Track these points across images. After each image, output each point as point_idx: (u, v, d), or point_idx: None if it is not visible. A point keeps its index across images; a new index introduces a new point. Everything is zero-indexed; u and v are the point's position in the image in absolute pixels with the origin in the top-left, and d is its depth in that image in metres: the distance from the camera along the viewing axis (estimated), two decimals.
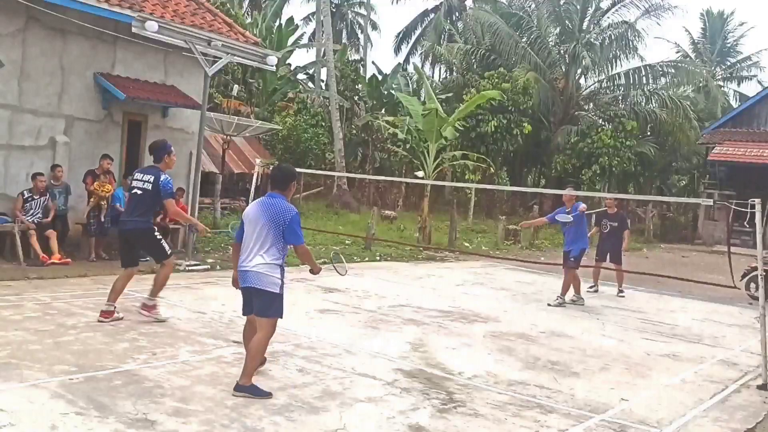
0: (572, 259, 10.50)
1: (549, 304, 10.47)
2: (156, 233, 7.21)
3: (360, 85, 33.53)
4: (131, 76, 11.85)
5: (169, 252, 7.26)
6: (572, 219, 10.40)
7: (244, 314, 5.44)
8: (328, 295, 9.64)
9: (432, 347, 7.16)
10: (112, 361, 5.62)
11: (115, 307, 7.01)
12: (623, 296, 11.92)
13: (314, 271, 5.57)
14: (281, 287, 5.18)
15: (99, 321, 6.82)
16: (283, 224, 5.12)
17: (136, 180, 7.08)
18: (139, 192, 6.97)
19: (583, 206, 10.68)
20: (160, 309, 7.27)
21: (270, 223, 5.12)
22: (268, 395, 5.04)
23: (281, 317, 5.25)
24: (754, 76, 44.93)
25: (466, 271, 13.99)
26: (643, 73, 33.56)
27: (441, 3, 44.85)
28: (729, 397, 6.26)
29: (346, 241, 16.35)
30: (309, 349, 6.63)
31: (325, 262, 5.55)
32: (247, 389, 5.01)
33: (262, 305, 5.15)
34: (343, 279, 11.53)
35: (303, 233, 5.31)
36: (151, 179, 6.93)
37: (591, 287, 12.08)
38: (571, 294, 10.76)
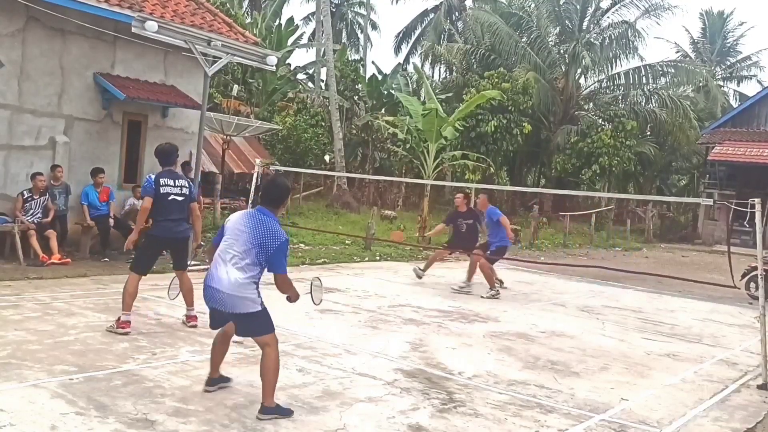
0: (493, 248, 11.02)
1: (482, 296, 10.68)
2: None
3: (360, 85, 33.54)
4: (131, 76, 11.85)
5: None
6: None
7: (212, 328, 5.05)
8: (328, 295, 9.63)
9: (432, 347, 7.15)
10: (112, 361, 5.62)
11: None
12: (497, 294, 10.95)
13: (292, 299, 4.93)
14: (261, 302, 4.76)
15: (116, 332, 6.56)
16: (270, 250, 4.66)
17: (170, 186, 6.79)
18: (179, 198, 6.82)
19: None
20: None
21: (255, 246, 4.65)
22: (290, 413, 4.77)
23: (274, 329, 4.86)
24: (754, 75, 45.04)
25: (466, 270, 13.97)
26: (643, 72, 33.60)
27: (441, 3, 44.85)
28: (729, 397, 6.27)
29: (346, 241, 16.36)
30: (309, 349, 6.63)
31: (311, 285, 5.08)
32: (273, 410, 4.69)
33: (252, 328, 4.79)
34: (343, 279, 11.62)
35: (288, 260, 4.89)
36: (186, 184, 6.94)
37: (421, 269, 11.91)
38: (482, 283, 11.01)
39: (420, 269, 11.94)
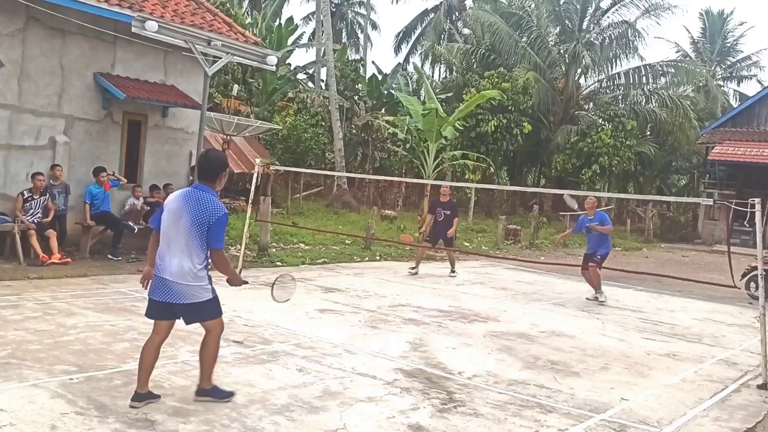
0: (599, 257, 10.92)
1: (587, 298, 11.10)
2: None
3: (360, 85, 33.55)
4: (131, 76, 11.86)
5: None
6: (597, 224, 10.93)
7: (151, 318, 4.73)
8: (328, 294, 9.64)
9: (432, 347, 7.15)
10: (112, 361, 5.63)
11: None
12: (455, 275, 12.81)
13: (233, 283, 4.76)
14: (212, 290, 4.66)
15: None
16: (208, 224, 4.47)
17: None
18: None
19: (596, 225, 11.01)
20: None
21: (194, 221, 4.46)
22: (230, 395, 4.82)
23: (222, 314, 4.80)
24: (754, 75, 45.05)
25: (466, 270, 13.99)
26: (643, 72, 33.61)
27: (441, 3, 44.89)
28: (729, 397, 6.26)
29: (346, 241, 16.36)
30: (309, 348, 6.62)
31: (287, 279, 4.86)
32: (209, 392, 4.76)
33: (201, 313, 4.65)
34: (343, 279, 11.63)
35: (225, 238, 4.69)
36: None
37: (413, 269, 12.82)
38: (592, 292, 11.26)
39: (411, 269, 12.87)
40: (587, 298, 11.21)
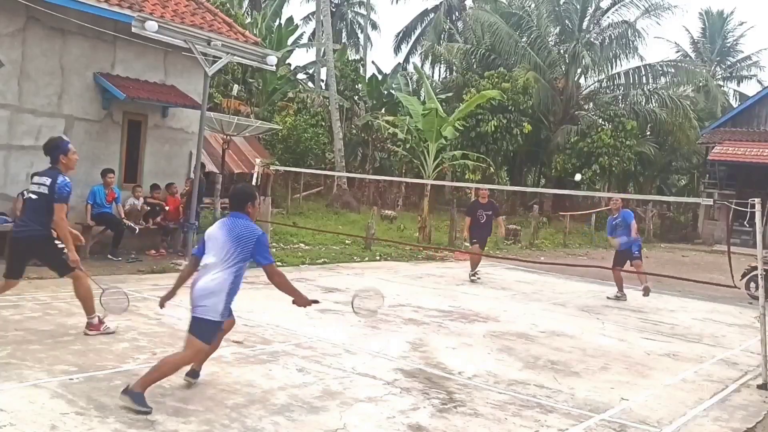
0: (637, 252, 11.47)
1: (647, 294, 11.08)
2: (57, 242, 6.34)
3: (360, 85, 33.56)
4: (131, 76, 11.85)
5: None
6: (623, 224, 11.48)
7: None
8: (328, 295, 9.64)
9: (432, 347, 7.15)
10: (112, 361, 5.62)
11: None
12: (478, 279, 12.47)
13: (300, 302, 4.99)
14: (221, 315, 4.86)
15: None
16: (250, 245, 4.82)
17: (33, 183, 6.38)
18: (34, 197, 6.26)
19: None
20: (106, 321, 6.58)
21: (234, 244, 4.81)
22: (148, 411, 4.52)
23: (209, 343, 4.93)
24: (754, 75, 45.06)
25: (467, 270, 13.98)
26: (643, 72, 33.62)
27: (441, 3, 44.88)
28: (729, 397, 6.27)
29: (346, 241, 16.36)
30: (309, 348, 6.63)
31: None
32: (134, 396, 4.55)
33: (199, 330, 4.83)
34: (343, 279, 11.62)
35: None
36: (48, 182, 6.21)
37: (474, 274, 12.59)
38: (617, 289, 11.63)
39: (472, 275, 12.57)
40: (608, 297, 11.55)
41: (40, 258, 6.48)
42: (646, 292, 11.06)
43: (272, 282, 4.94)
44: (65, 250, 6.27)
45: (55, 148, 6.38)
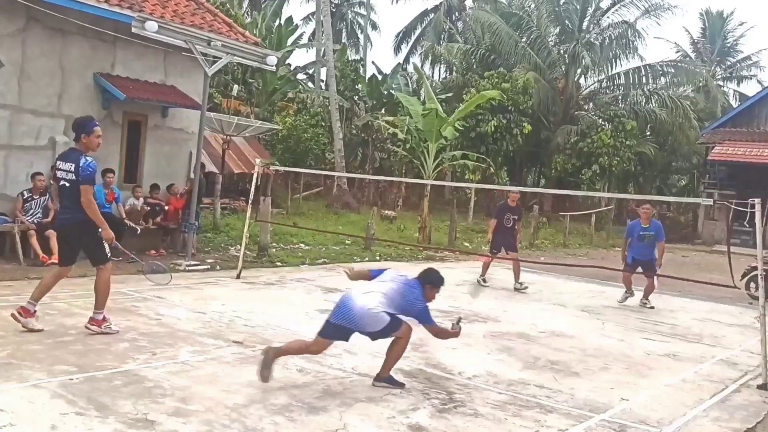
0: (657, 266, 10.86)
1: (650, 307, 10.82)
2: (98, 230, 6.35)
3: (360, 85, 33.56)
4: (131, 76, 11.85)
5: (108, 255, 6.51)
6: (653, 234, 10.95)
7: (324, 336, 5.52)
8: (328, 295, 9.63)
9: (432, 347, 7.15)
10: (112, 361, 5.62)
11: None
12: (524, 287, 11.69)
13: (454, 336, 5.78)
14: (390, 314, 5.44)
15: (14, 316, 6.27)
16: (411, 312, 5.52)
17: (59, 169, 6.47)
18: (66, 184, 6.36)
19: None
20: (111, 321, 6.53)
21: (397, 301, 5.50)
22: (403, 384, 5.63)
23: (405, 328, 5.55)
24: (754, 75, 45.02)
25: (466, 270, 13.97)
26: (643, 72, 33.62)
27: (441, 3, 44.84)
28: (729, 397, 6.26)
29: (346, 241, 16.35)
30: None
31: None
32: (385, 380, 5.59)
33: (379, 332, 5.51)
34: (343, 279, 11.56)
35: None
36: (72, 167, 6.30)
37: (483, 280, 12.06)
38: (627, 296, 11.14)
39: (482, 280, 12.08)
40: (619, 302, 11.08)
41: (80, 243, 6.50)
42: (644, 304, 10.94)
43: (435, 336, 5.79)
44: (102, 236, 6.34)
45: (80, 127, 6.50)
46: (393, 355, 5.58)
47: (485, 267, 12.19)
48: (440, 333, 5.72)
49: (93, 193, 6.44)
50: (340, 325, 5.38)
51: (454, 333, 5.71)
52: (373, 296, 5.43)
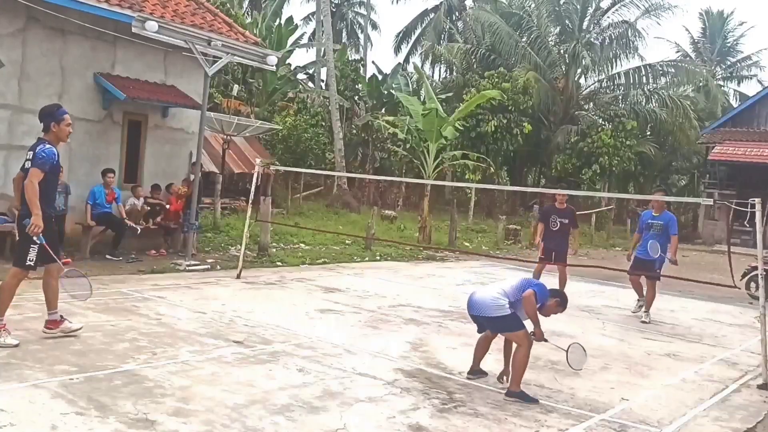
0: (658, 270, 10.01)
1: (644, 321, 9.76)
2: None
3: (360, 85, 33.55)
4: (131, 76, 11.85)
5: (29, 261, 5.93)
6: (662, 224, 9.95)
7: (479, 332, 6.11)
8: (328, 295, 9.64)
9: (432, 347, 7.15)
10: (113, 361, 5.62)
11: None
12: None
13: (537, 336, 5.75)
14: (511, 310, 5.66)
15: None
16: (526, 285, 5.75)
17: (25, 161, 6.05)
18: (22, 173, 5.96)
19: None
20: (67, 320, 6.29)
21: (512, 292, 5.72)
22: (536, 401, 5.57)
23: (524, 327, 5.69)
24: (754, 75, 45.03)
25: (467, 270, 13.99)
26: (643, 72, 33.60)
27: (441, 3, 44.82)
28: (729, 397, 6.26)
29: (347, 241, 16.36)
30: (309, 348, 6.62)
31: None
32: (518, 394, 5.57)
33: (501, 326, 5.78)
34: (344, 279, 11.63)
35: None
36: (30, 155, 5.85)
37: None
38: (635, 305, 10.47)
39: None
40: (633, 312, 10.38)
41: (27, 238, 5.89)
42: (640, 308, 10.21)
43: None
44: (32, 221, 5.69)
45: (48, 116, 6.01)
46: (516, 365, 5.63)
47: (537, 273, 10.78)
48: (534, 309, 5.71)
49: (40, 180, 5.83)
50: (474, 316, 5.92)
51: (539, 327, 5.76)
52: (492, 287, 5.91)
